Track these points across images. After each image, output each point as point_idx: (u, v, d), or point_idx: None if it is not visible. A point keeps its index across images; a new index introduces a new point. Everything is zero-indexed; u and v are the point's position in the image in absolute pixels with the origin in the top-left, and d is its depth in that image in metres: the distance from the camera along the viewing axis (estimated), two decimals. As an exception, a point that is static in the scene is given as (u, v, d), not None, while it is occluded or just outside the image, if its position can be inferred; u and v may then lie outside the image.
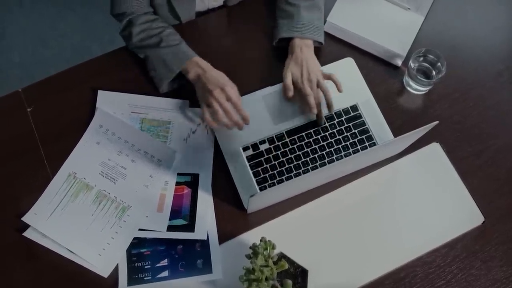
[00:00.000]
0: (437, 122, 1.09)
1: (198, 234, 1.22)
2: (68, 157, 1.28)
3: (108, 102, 1.33)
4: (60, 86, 1.36)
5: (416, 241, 1.23)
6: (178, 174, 1.28)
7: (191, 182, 1.27)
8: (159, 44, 1.30)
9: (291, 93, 1.29)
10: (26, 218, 1.21)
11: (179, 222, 1.24)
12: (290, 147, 1.29)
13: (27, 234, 1.21)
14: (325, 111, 1.32)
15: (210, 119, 1.25)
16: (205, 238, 1.22)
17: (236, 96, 1.25)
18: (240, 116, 1.25)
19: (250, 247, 1.07)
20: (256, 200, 1.10)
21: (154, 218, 1.23)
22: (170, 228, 1.23)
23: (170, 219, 1.24)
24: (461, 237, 1.24)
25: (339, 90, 1.30)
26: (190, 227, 1.23)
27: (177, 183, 1.27)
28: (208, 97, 1.24)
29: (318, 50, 1.38)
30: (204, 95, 1.26)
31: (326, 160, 1.29)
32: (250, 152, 1.29)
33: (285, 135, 1.30)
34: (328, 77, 1.30)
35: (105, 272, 1.19)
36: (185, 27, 1.40)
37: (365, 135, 1.31)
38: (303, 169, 1.28)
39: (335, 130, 1.31)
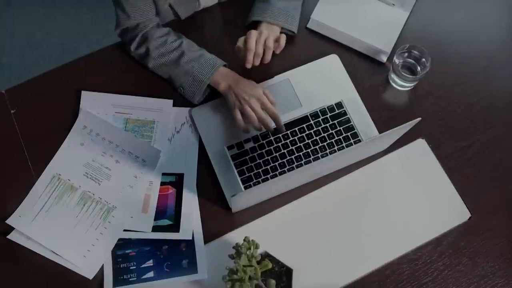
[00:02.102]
0: (419, 118, 1.08)
1: (183, 234, 1.22)
2: (52, 159, 1.27)
3: (92, 102, 1.32)
4: (44, 87, 1.36)
5: (402, 238, 1.23)
6: (163, 174, 1.27)
7: (176, 182, 1.27)
8: (182, 58, 1.30)
9: (241, 52, 1.28)
10: (10, 221, 1.21)
11: (164, 222, 1.23)
12: (275, 145, 1.29)
13: (12, 236, 1.20)
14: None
15: (244, 125, 1.25)
16: (190, 238, 1.22)
17: (271, 106, 1.26)
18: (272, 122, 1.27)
19: (233, 247, 1.06)
20: (239, 199, 1.10)
21: (139, 218, 1.23)
22: (155, 229, 1.22)
23: (155, 220, 1.23)
24: (447, 233, 1.24)
25: (275, 51, 1.29)
26: (175, 227, 1.23)
27: (162, 183, 1.27)
28: (243, 104, 1.25)
29: (302, 48, 1.38)
30: (238, 102, 1.26)
31: (311, 158, 1.28)
32: (235, 151, 1.28)
33: (270, 134, 1.30)
34: (278, 38, 1.29)
35: (90, 274, 1.19)
36: (171, 25, 1.39)
37: (350, 132, 1.30)
38: (288, 167, 1.27)
39: (320, 128, 1.30)
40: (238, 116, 1.25)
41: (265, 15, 1.32)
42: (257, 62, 1.28)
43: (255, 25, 1.35)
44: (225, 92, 1.28)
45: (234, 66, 1.33)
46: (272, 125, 1.27)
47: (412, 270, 1.21)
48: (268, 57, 1.29)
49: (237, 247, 1.06)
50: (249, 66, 1.27)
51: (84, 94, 1.33)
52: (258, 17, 1.33)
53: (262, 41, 1.26)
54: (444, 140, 1.32)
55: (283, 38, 1.28)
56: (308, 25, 1.40)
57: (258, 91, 1.26)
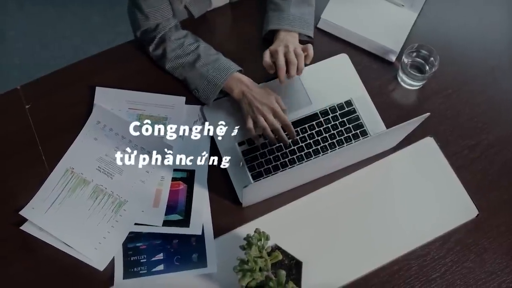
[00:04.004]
0: (428, 113, 1.09)
1: (193, 229, 1.23)
2: (66, 153, 1.29)
3: (106, 98, 1.34)
4: (58, 83, 1.38)
5: (411, 234, 1.24)
6: (174, 170, 1.29)
7: (187, 178, 1.28)
8: (198, 61, 1.32)
9: (272, 70, 1.30)
10: (23, 212, 1.22)
11: (175, 217, 1.25)
12: (285, 141, 1.30)
13: (25, 228, 1.22)
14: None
15: (255, 134, 1.27)
16: (200, 233, 1.23)
17: (283, 115, 1.26)
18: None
19: (244, 238, 1.08)
20: (250, 191, 1.11)
21: (150, 213, 1.24)
22: (166, 223, 1.24)
23: (165, 214, 1.24)
24: (455, 230, 1.25)
25: (306, 61, 1.31)
26: (185, 222, 1.24)
27: (173, 179, 1.28)
28: (256, 113, 1.26)
29: (311, 41, 1.40)
30: (251, 111, 1.27)
31: (320, 155, 1.30)
32: (246, 147, 1.30)
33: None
34: (305, 48, 1.31)
35: (101, 266, 1.20)
36: (183, 24, 1.41)
37: (360, 130, 1.32)
38: (298, 163, 1.29)
39: (329, 125, 1.32)
40: (250, 124, 1.27)
41: (283, 23, 1.34)
42: (294, 72, 1.29)
43: (272, 34, 1.37)
44: (239, 98, 1.30)
45: (246, 67, 1.35)
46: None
47: (420, 266, 1.22)
48: (301, 65, 1.30)
49: (248, 238, 1.07)
50: (283, 83, 1.30)
51: (98, 90, 1.35)
52: (276, 26, 1.35)
53: (292, 52, 1.29)
54: (452, 139, 1.33)
55: (311, 48, 1.30)
56: (319, 25, 1.42)
57: (271, 99, 1.27)
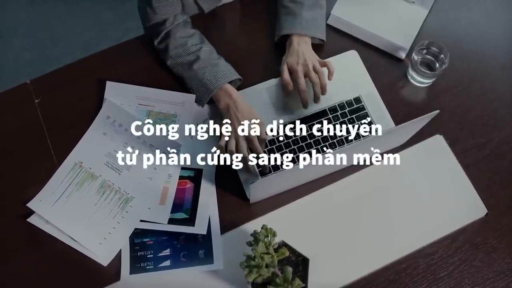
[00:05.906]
0: (438, 111, 1.09)
1: (198, 228, 1.23)
2: (75, 147, 1.29)
3: (116, 93, 1.34)
4: (68, 78, 1.38)
5: (418, 233, 1.23)
6: (182, 168, 1.28)
7: (194, 176, 1.28)
8: (196, 63, 1.32)
9: (290, 87, 1.30)
10: (31, 204, 1.23)
11: (180, 215, 1.24)
12: (293, 138, 1.30)
13: (31, 220, 1.22)
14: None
15: (222, 146, 1.25)
16: (205, 233, 1.22)
17: (256, 146, 1.24)
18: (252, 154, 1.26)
19: (251, 234, 1.07)
20: (258, 187, 1.11)
21: (156, 210, 1.24)
22: (171, 221, 1.23)
23: (171, 212, 1.24)
24: (464, 228, 1.24)
25: (329, 78, 1.31)
26: (190, 221, 1.23)
27: (181, 177, 1.28)
28: (231, 132, 1.25)
29: (322, 43, 1.40)
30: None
31: (328, 152, 1.29)
32: (253, 144, 1.30)
33: (288, 127, 1.31)
34: (323, 64, 1.31)
35: (104, 261, 1.20)
36: (193, 19, 1.41)
37: (368, 127, 1.31)
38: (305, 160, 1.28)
39: (338, 122, 1.32)
40: (222, 138, 1.26)
41: (296, 28, 1.34)
42: (319, 92, 1.30)
43: (284, 38, 1.37)
44: (223, 112, 1.29)
45: (253, 63, 1.35)
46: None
47: (428, 264, 1.21)
48: (324, 82, 1.30)
49: (255, 234, 1.06)
50: (307, 106, 1.30)
51: (109, 84, 1.34)
52: (289, 30, 1.34)
53: (312, 71, 1.29)
54: (461, 136, 1.32)
55: (330, 63, 1.31)
56: (328, 21, 1.42)
57: (252, 118, 1.26)
